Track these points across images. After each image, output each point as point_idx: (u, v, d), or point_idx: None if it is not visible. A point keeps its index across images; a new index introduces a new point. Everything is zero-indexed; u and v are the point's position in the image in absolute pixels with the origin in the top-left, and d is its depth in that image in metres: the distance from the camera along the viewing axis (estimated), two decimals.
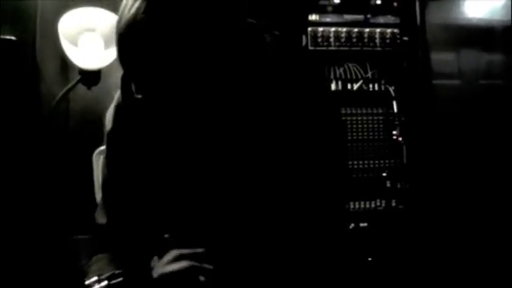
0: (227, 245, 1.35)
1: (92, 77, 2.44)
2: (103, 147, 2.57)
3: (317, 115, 1.30)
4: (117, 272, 1.35)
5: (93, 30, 2.41)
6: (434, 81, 3.21)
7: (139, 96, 1.15)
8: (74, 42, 2.37)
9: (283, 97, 1.27)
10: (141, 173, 1.38)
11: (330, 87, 2.79)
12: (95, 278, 1.33)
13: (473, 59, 3.30)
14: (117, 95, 1.40)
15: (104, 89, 2.77)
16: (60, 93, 2.44)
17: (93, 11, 2.39)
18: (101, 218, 1.50)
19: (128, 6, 1.09)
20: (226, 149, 1.28)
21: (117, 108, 1.41)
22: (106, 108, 2.77)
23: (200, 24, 1.08)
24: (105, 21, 2.40)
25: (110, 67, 2.53)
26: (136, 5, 1.07)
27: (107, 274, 1.34)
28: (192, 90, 1.13)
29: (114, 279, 1.33)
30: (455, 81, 3.27)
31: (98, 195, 2.61)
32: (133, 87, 1.17)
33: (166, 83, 1.11)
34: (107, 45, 2.41)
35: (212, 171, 1.32)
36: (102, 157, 2.58)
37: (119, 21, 1.11)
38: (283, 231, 1.31)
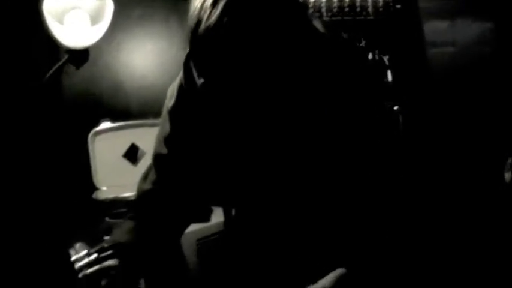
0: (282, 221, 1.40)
1: (79, 56, 2.40)
2: (99, 128, 2.59)
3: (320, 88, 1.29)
4: (106, 245, 1.34)
5: (78, 7, 2.37)
6: (428, 50, 3.18)
7: (202, 80, 1.19)
8: (60, 21, 2.33)
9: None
10: (200, 149, 1.40)
11: None
12: (85, 252, 1.31)
13: (466, 26, 3.27)
14: (181, 74, 1.40)
15: (96, 68, 2.76)
16: (48, 74, 2.40)
17: None
18: (146, 185, 1.50)
19: (207, 13, 1.10)
20: (284, 137, 1.30)
21: (181, 87, 1.40)
22: (99, 89, 2.79)
23: (275, 30, 1.11)
24: None
25: (99, 46, 2.51)
26: (218, 12, 1.09)
27: (97, 247, 1.34)
28: (259, 86, 1.15)
29: (103, 252, 1.32)
30: (450, 49, 3.25)
31: (96, 176, 2.60)
32: (195, 74, 1.21)
33: (237, 79, 1.14)
34: (93, 22, 2.37)
35: (271, 158, 1.34)
36: (97, 137, 2.60)
37: (196, 25, 1.12)
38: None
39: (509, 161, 2.39)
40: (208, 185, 1.47)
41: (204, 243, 2.21)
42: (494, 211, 2.93)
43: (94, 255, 1.31)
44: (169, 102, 1.44)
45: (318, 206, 1.35)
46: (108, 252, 1.32)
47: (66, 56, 2.39)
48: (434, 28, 3.22)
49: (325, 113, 1.26)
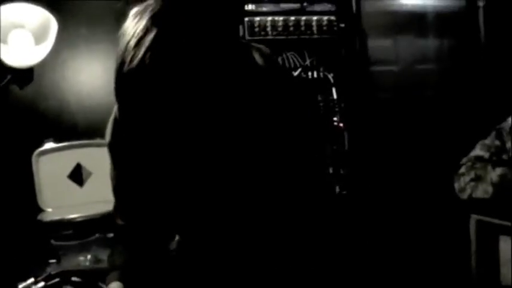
0: (232, 239, 1.41)
1: (23, 76, 2.37)
2: (43, 148, 2.55)
3: (259, 106, 1.32)
4: (53, 272, 1.33)
5: (22, 26, 2.33)
6: (372, 68, 3.24)
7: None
8: (4, 40, 2.29)
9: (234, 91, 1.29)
10: (146, 176, 1.40)
11: None
12: (31, 280, 1.30)
13: (408, 44, 3.35)
14: (115, 108, 1.40)
15: (41, 87, 2.72)
16: None
17: (22, 7, 2.31)
18: (118, 220, 1.51)
19: (130, 55, 1.10)
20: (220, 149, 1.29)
21: (115, 121, 1.40)
22: (45, 107, 2.75)
23: (204, 68, 1.11)
24: (35, 17, 2.33)
25: (44, 64, 2.48)
26: (140, 55, 1.08)
27: (44, 275, 1.32)
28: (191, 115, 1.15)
29: (50, 280, 1.30)
30: (392, 67, 3.32)
31: (41, 197, 2.55)
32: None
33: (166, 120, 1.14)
34: (37, 41, 2.34)
35: (211, 172, 1.34)
36: (41, 158, 2.55)
37: (120, 65, 1.12)
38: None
39: (459, 171, 2.45)
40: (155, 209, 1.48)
41: None
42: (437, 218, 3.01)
43: (41, 284, 1.29)
44: (107, 138, 1.44)
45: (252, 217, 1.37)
46: (55, 280, 1.30)
47: (9, 76, 2.35)
48: (378, 46, 3.29)
49: (255, 139, 1.29)
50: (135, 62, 1.09)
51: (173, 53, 1.08)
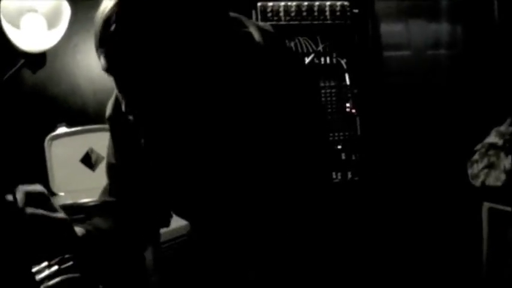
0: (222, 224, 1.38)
1: (36, 60, 2.37)
2: (55, 133, 2.55)
3: (273, 98, 1.29)
4: (66, 256, 1.32)
5: (35, 11, 2.33)
6: (385, 53, 3.23)
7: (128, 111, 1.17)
8: (16, 24, 2.29)
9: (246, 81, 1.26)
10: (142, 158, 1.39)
11: None
12: (45, 263, 1.29)
13: (421, 29, 3.33)
14: (109, 105, 1.41)
15: (52, 71, 2.72)
16: (4, 78, 2.36)
17: None
18: (104, 197, 1.49)
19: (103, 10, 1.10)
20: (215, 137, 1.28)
21: (116, 98, 1.38)
22: (56, 92, 2.75)
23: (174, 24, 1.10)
24: (47, 1, 2.32)
25: (55, 49, 2.47)
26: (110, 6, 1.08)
27: (57, 259, 1.32)
28: (178, 92, 1.14)
29: (64, 264, 1.30)
30: (405, 52, 3.30)
31: (53, 182, 2.56)
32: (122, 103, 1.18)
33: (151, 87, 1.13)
34: (50, 26, 2.33)
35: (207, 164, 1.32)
36: (54, 142, 2.56)
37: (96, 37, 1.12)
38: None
39: (473, 158, 2.44)
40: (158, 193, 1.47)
41: (165, 248, 2.20)
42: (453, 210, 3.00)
43: (55, 267, 1.29)
44: (107, 112, 1.43)
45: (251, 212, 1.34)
46: (69, 264, 1.30)
47: (22, 60, 2.35)
48: (391, 31, 3.27)
49: (251, 120, 1.25)
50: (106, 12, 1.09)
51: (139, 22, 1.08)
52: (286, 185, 1.28)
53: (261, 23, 1.36)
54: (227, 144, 1.27)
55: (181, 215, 1.51)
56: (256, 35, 1.27)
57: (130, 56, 1.10)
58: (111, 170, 1.47)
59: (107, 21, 1.08)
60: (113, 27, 1.07)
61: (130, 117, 1.18)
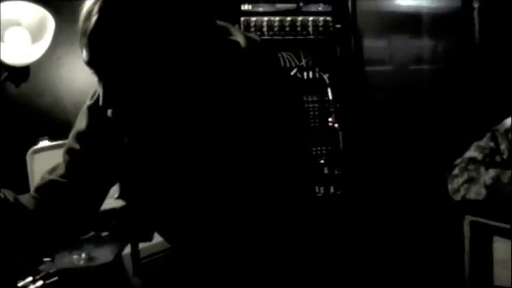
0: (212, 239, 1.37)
1: (19, 74, 2.36)
2: (38, 146, 2.54)
3: (257, 105, 1.29)
4: (51, 271, 1.32)
5: (19, 24, 2.32)
6: (367, 68, 3.25)
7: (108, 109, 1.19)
8: (0, 37, 2.28)
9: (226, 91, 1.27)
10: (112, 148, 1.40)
11: None
12: (30, 279, 1.29)
13: (403, 45, 3.37)
14: (90, 95, 1.40)
15: (35, 84, 2.71)
16: None
17: (18, 4, 2.30)
18: (51, 176, 1.48)
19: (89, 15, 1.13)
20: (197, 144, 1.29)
21: (90, 109, 1.41)
22: (39, 105, 2.74)
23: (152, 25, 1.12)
24: (32, 14, 2.32)
25: (38, 61, 2.47)
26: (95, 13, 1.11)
27: (42, 274, 1.32)
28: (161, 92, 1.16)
29: (48, 279, 1.30)
30: (387, 67, 3.33)
31: None
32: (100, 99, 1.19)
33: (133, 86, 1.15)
34: (33, 39, 2.33)
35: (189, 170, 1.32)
36: (35, 156, 2.54)
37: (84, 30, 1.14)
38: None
39: (453, 172, 2.46)
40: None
41: (147, 262, 2.19)
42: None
43: (40, 282, 1.29)
44: (90, 100, 1.43)
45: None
46: (54, 279, 1.30)
47: (5, 74, 2.34)
48: (373, 47, 3.30)
49: (233, 124, 1.26)
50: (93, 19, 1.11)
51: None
52: (266, 194, 1.29)
53: (247, 33, 1.39)
54: (206, 146, 1.27)
55: (161, 229, 1.51)
56: (243, 43, 1.30)
57: (111, 47, 1.12)
58: (70, 153, 1.45)
59: (90, 12, 1.11)
60: (95, 18, 1.10)
61: (109, 112, 1.19)
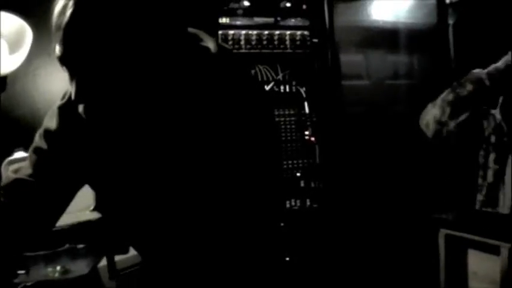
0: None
1: None
2: (13, 157, 2.52)
3: (225, 108, 1.30)
4: (28, 284, 1.31)
5: None
6: (344, 82, 3.28)
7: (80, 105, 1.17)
8: None
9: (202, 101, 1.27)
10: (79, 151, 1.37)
11: None
12: None
13: (380, 60, 3.40)
14: (61, 95, 1.38)
15: (12, 95, 2.69)
16: None
17: None
18: (16, 175, 1.43)
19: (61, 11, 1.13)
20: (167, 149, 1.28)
21: (61, 109, 1.39)
22: (15, 115, 2.72)
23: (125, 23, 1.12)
24: (9, 25, 2.31)
25: (15, 72, 2.45)
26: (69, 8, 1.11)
27: (18, 287, 1.30)
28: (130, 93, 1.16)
29: None
30: (364, 82, 3.36)
31: None
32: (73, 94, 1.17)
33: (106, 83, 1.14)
34: (11, 50, 2.32)
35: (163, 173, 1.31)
36: (11, 167, 2.51)
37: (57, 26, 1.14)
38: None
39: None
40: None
41: (124, 275, 2.18)
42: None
43: None
44: (61, 100, 1.42)
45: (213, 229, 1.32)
46: None
47: None
48: (350, 61, 3.33)
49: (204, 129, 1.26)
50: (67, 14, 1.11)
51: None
52: (234, 205, 1.28)
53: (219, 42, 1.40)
54: (174, 148, 1.27)
55: (134, 241, 1.50)
56: (213, 48, 1.31)
57: (86, 40, 1.11)
58: (37, 153, 1.42)
59: (65, 6, 1.11)
60: (70, 11, 1.10)
61: (80, 108, 1.18)
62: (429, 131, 2.42)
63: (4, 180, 1.44)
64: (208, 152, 1.25)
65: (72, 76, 1.16)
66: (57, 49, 1.13)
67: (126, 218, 1.41)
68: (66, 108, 1.37)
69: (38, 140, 1.43)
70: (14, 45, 2.31)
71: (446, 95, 2.39)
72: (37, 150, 1.42)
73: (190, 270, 1.37)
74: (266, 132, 1.34)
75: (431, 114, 2.41)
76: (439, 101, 2.40)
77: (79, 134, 1.35)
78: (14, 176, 1.42)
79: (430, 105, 2.46)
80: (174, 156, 1.26)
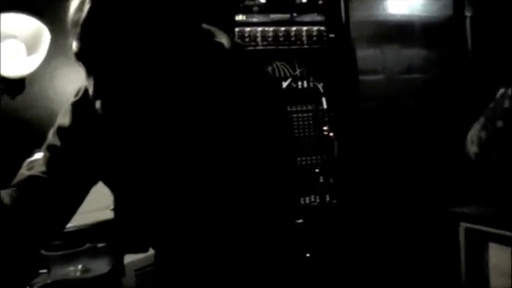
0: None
1: (15, 86, 2.36)
2: (32, 158, 2.54)
3: (239, 103, 1.30)
4: (48, 282, 1.32)
5: (14, 36, 2.33)
6: (360, 77, 3.27)
7: (98, 103, 1.17)
8: None
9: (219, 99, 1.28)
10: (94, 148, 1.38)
11: None
12: None
13: (396, 54, 3.38)
14: (75, 92, 1.40)
15: (30, 96, 2.71)
16: None
17: (14, 17, 2.31)
18: (31, 172, 1.44)
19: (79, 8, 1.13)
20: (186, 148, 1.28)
21: (74, 106, 1.40)
22: (33, 117, 2.74)
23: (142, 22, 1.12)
24: (27, 27, 2.33)
25: (33, 73, 2.47)
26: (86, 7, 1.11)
27: (38, 285, 1.31)
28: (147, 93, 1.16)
29: None
30: (380, 76, 3.35)
31: None
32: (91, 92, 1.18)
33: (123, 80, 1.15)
34: (29, 51, 2.34)
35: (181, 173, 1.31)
36: None
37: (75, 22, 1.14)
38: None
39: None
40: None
41: (143, 273, 2.19)
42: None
43: None
44: (75, 97, 1.42)
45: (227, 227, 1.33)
46: None
47: (0, 86, 2.34)
48: (366, 56, 3.31)
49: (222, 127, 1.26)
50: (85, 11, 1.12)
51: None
52: (249, 201, 1.28)
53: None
54: (189, 144, 1.27)
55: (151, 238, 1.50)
56: (227, 44, 1.32)
57: (104, 36, 1.11)
58: (50, 150, 1.43)
59: (82, 2, 1.11)
60: (87, 7, 1.10)
61: (97, 104, 1.18)
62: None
63: (18, 177, 1.44)
64: (223, 148, 1.26)
65: (90, 72, 1.16)
66: (74, 45, 1.14)
67: (140, 214, 1.42)
68: (80, 105, 1.38)
69: (52, 137, 1.44)
70: (31, 47, 2.34)
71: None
72: (50, 148, 1.43)
73: (205, 266, 1.37)
74: (279, 128, 1.34)
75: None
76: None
77: (92, 131, 1.35)
78: (27, 173, 1.43)
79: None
80: (189, 152, 1.27)
